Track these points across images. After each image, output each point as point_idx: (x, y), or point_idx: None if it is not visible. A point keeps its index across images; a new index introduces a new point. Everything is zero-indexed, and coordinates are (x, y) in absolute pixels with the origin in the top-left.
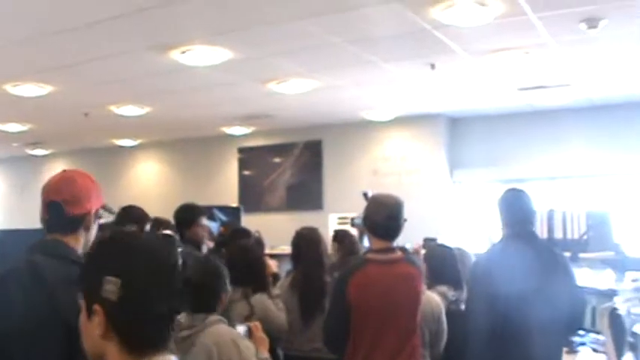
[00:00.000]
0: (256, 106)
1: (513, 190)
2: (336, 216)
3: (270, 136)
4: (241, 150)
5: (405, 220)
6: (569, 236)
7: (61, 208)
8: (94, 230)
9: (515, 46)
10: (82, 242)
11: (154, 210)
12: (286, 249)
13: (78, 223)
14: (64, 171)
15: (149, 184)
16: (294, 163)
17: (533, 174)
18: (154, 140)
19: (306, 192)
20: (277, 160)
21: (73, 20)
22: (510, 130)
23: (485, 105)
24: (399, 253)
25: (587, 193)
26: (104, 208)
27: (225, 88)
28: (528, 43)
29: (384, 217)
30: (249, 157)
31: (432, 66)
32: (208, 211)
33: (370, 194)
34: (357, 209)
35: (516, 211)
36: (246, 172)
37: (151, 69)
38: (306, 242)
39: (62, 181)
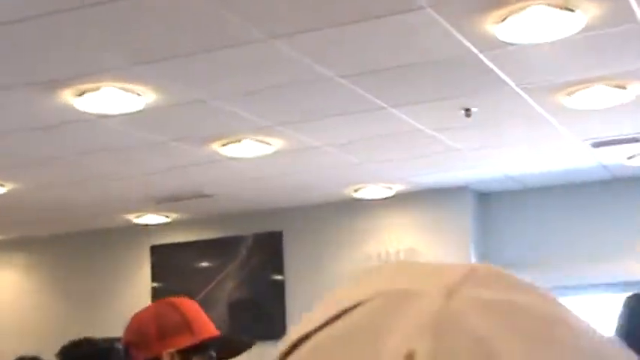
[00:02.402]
0: (186, 180)
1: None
2: None
3: (203, 228)
4: (156, 249)
5: None
6: None
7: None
8: None
9: (603, 76)
10: None
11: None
12: None
13: None
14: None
15: (4, 306)
16: (239, 267)
17: (611, 278)
18: (16, 238)
19: (259, 312)
20: (213, 263)
21: None
22: (576, 207)
23: (538, 170)
24: None
25: None
26: None
27: (138, 151)
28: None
29: None
30: (168, 259)
31: (467, 112)
32: (109, 351)
33: None
34: None
35: None
36: (163, 284)
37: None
38: None
39: None
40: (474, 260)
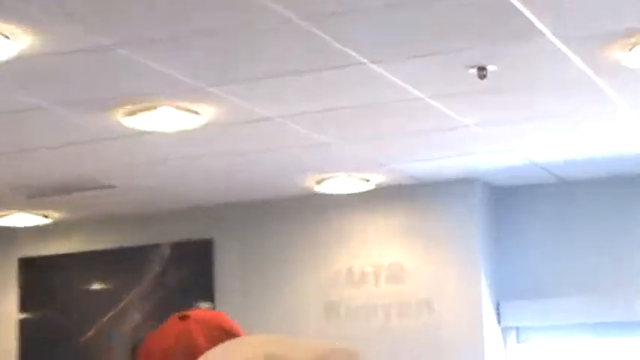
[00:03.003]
0: (74, 164)
1: None
2: None
3: (98, 234)
4: (27, 264)
5: None
6: None
7: None
8: None
9: None
10: None
11: None
12: None
13: None
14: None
15: None
16: (150, 291)
17: None
18: None
19: None
20: (112, 285)
21: None
22: (631, 210)
23: (579, 156)
24: None
25: None
26: None
27: (2, 119)
28: None
29: None
30: (44, 279)
31: (481, 72)
32: None
33: None
34: None
35: None
36: (35, 315)
37: None
38: None
39: None
40: (484, 288)
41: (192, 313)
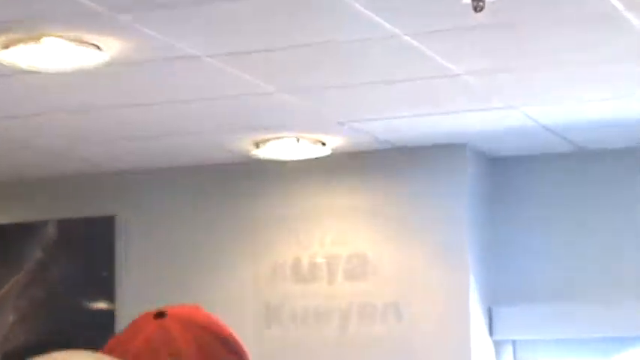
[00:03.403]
0: None
1: None
2: None
3: None
4: None
5: None
6: None
7: None
8: None
9: None
10: None
11: None
12: None
13: None
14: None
15: None
16: (29, 282)
17: None
18: None
19: None
20: None
21: None
22: None
23: (600, 116)
24: None
25: None
26: None
27: None
28: None
29: None
30: None
31: (476, 3)
32: None
33: None
34: None
35: None
36: None
37: None
38: None
39: None
40: (472, 288)
41: (168, 310)
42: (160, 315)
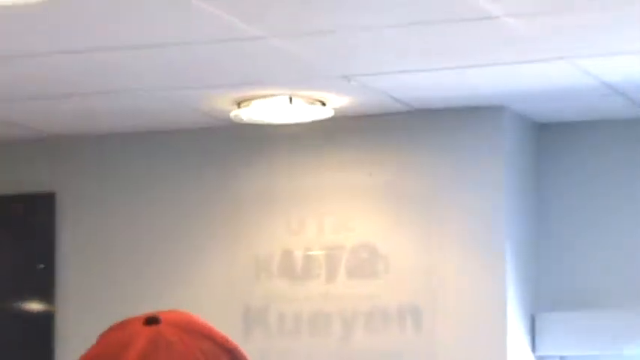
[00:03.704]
0: None
1: None
2: None
3: None
4: None
5: None
6: None
7: None
8: None
9: None
10: None
11: None
12: None
13: None
14: None
15: None
16: None
17: None
18: None
19: None
20: None
21: None
22: None
23: None
24: None
25: None
26: None
27: None
28: None
29: None
30: None
31: None
32: None
33: None
34: None
35: None
36: None
37: None
38: None
39: None
40: (511, 290)
41: (161, 314)
42: (151, 321)
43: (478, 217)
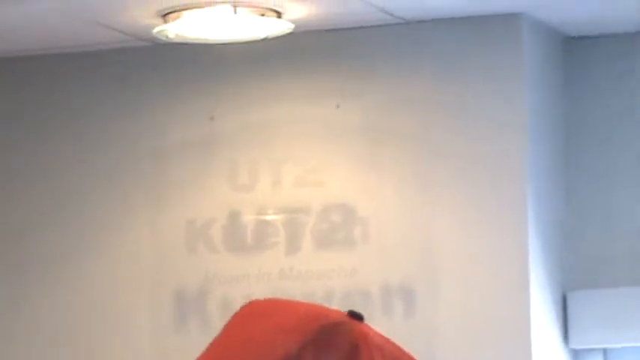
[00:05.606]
0: None
1: None
2: None
3: None
4: None
5: None
6: None
7: None
8: None
9: None
10: None
11: None
12: None
13: None
14: None
15: None
16: None
17: None
18: None
19: None
20: None
21: None
22: None
23: None
24: None
25: None
26: None
27: None
28: None
29: None
30: None
31: None
32: None
33: None
34: None
35: None
36: None
37: None
38: None
39: None
40: (534, 262)
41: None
42: (354, 315)
43: (489, 168)
